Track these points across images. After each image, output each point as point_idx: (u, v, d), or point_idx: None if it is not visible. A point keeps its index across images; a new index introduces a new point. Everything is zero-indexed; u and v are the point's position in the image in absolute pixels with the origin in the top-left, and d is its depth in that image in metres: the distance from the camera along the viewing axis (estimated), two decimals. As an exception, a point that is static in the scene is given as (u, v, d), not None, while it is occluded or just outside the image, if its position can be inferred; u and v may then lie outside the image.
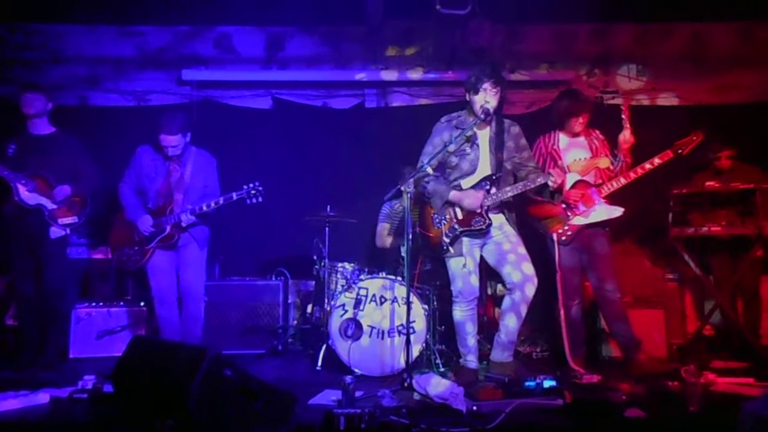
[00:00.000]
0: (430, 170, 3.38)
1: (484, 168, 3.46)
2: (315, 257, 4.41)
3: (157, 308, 3.85)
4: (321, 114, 5.48)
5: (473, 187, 3.44)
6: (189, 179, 3.85)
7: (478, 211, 3.39)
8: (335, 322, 3.78)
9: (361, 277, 3.94)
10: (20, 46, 5.08)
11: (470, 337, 3.50)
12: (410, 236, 3.31)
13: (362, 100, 5.56)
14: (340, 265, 4.19)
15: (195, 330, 3.87)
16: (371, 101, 5.59)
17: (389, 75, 5.41)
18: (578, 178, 3.77)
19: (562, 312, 3.72)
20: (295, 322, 4.99)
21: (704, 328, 4.18)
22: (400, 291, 3.77)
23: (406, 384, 3.08)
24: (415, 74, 5.41)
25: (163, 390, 2.37)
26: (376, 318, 3.78)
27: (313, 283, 4.62)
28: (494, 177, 3.42)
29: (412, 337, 3.32)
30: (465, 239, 3.46)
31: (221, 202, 3.73)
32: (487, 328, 4.37)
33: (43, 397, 3.00)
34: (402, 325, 3.64)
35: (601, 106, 5.13)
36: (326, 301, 4.08)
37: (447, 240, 3.46)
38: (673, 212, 4.04)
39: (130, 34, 5.29)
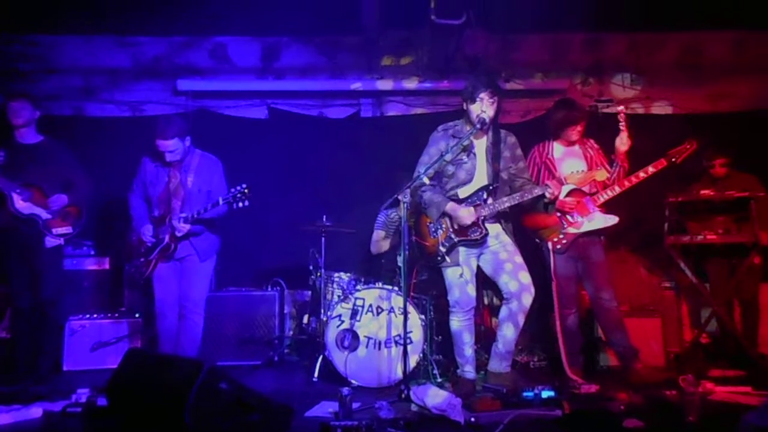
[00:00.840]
0: (426, 180, 3.39)
1: (481, 177, 3.47)
2: (311, 267, 4.38)
3: (157, 321, 3.79)
4: (317, 124, 5.49)
5: (470, 196, 3.44)
6: (191, 185, 3.73)
7: (475, 221, 3.38)
8: (332, 333, 3.76)
9: (358, 287, 3.92)
10: (16, 57, 5.07)
11: (468, 347, 3.49)
12: (407, 246, 3.30)
13: (358, 110, 5.57)
14: (336, 275, 4.16)
15: (187, 346, 3.72)
16: (367, 111, 5.60)
17: (385, 84, 5.42)
18: (573, 187, 3.75)
19: (558, 321, 3.71)
20: (291, 332, 4.96)
21: (701, 337, 4.18)
22: (397, 301, 3.75)
23: (403, 395, 3.07)
24: (411, 84, 5.41)
25: (159, 403, 2.35)
26: (372, 328, 3.76)
27: (310, 293, 4.59)
28: (491, 187, 3.42)
29: (409, 347, 3.31)
30: (461, 249, 3.46)
31: (209, 207, 3.59)
32: (485, 337, 4.34)
33: (35, 412, 2.96)
34: (399, 335, 3.62)
35: (595, 115, 5.15)
36: (323, 311, 4.06)
37: (443, 249, 3.45)
38: (669, 220, 4.04)
39: (125, 44, 5.28)
